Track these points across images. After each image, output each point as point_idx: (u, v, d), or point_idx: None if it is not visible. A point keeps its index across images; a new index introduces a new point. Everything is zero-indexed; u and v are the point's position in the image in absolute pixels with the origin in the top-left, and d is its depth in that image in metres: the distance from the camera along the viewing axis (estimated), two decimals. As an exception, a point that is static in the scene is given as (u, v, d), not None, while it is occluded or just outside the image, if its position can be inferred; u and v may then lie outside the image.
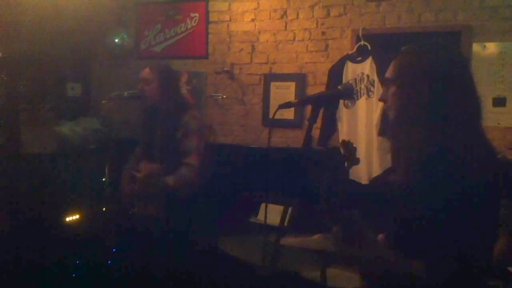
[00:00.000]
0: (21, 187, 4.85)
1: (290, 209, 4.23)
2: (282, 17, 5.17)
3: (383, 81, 2.02)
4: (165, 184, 3.79)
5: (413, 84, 1.86)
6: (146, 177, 3.78)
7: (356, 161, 2.01)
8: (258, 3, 5.27)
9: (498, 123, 4.24)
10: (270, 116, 5.14)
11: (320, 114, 2.10)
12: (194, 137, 3.87)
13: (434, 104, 1.82)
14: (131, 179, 3.93)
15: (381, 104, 4.35)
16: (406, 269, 1.77)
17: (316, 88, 4.96)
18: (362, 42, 4.64)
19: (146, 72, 4.00)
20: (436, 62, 1.87)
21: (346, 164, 1.98)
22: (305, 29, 5.07)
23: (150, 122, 4.03)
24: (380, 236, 2.07)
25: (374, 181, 4.50)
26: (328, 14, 4.96)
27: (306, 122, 2.01)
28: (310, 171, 1.90)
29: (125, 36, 5.80)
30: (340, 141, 2.01)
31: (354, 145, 2.01)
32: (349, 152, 1.98)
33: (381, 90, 4.22)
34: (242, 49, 5.38)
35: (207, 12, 5.54)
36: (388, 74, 1.98)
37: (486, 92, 4.23)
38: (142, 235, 3.95)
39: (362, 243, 1.82)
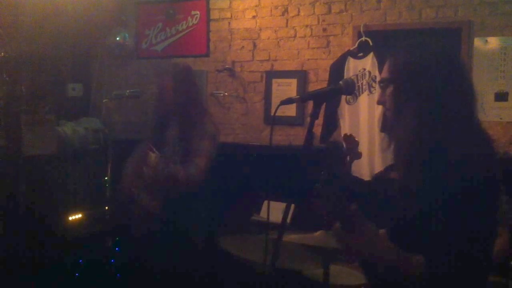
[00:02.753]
0: (22, 188, 4.85)
1: (292, 207, 4.23)
2: (283, 14, 5.16)
3: (379, 84, 2.01)
4: (174, 173, 3.79)
5: (406, 82, 1.86)
6: (162, 160, 3.76)
7: (358, 155, 2.00)
8: (259, 0, 5.26)
9: (500, 118, 4.23)
10: (272, 113, 5.14)
11: (322, 111, 2.09)
12: (208, 141, 3.90)
13: (430, 101, 1.81)
14: (144, 160, 3.89)
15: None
16: (406, 265, 1.76)
17: (317, 85, 4.95)
18: (363, 38, 4.63)
19: (169, 79, 3.98)
20: (429, 59, 1.86)
21: (348, 158, 1.97)
22: (306, 26, 5.06)
23: (164, 122, 4.04)
24: (381, 232, 2.06)
25: (376, 177, 4.49)
26: (329, 11, 4.95)
27: (308, 119, 2.01)
28: (311, 168, 1.89)
29: (126, 35, 5.79)
30: (342, 135, 2.00)
31: (356, 139, 2.00)
32: (352, 146, 1.97)
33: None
34: (243, 47, 5.37)
35: (208, 10, 5.53)
36: (383, 75, 1.97)
37: (488, 87, 4.23)
38: (143, 234, 3.95)
39: (362, 238, 1.81)
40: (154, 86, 4.08)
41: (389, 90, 1.93)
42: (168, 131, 4.00)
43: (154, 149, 3.83)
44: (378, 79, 4.45)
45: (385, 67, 1.97)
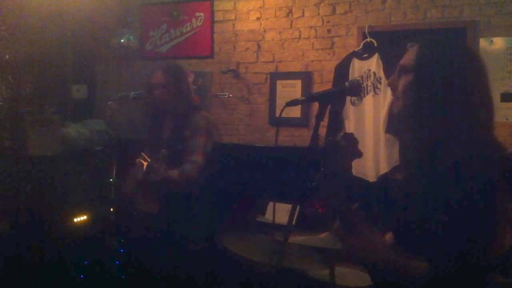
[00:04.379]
0: (27, 189, 4.85)
1: (298, 208, 4.21)
2: (287, 15, 5.15)
3: (398, 68, 1.96)
4: (169, 176, 3.79)
5: (434, 77, 1.81)
6: (152, 164, 3.76)
7: (358, 154, 1.98)
8: (263, 2, 5.26)
9: (506, 119, 4.22)
10: (277, 115, 5.13)
11: (327, 112, 2.08)
12: (202, 136, 3.90)
13: (450, 101, 1.79)
14: (137, 169, 3.90)
15: (388, 101, 4.35)
16: (406, 267, 1.76)
17: (322, 86, 4.94)
18: (368, 39, 4.62)
19: (158, 77, 3.97)
20: (459, 58, 1.84)
21: (348, 157, 1.96)
22: (311, 27, 5.05)
23: (158, 122, 4.04)
24: (387, 235, 2.06)
25: (381, 179, 4.48)
26: (334, 12, 4.95)
27: (313, 120, 1.99)
28: (314, 169, 1.88)
29: (130, 37, 5.79)
30: (342, 133, 1.98)
31: (356, 137, 1.98)
32: (351, 145, 1.95)
33: (388, 88, 4.21)
34: (247, 48, 5.37)
35: (212, 12, 5.53)
36: (406, 61, 1.92)
37: (494, 87, 4.18)
38: (148, 235, 3.95)
39: (363, 238, 1.81)
40: (146, 86, 4.08)
41: (409, 78, 1.89)
42: (162, 131, 4.01)
43: (146, 157, 3.83)
44: (383, 80, 4.45)
45: (410, 54, 1.92)
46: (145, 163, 3.78)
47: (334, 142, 1.91)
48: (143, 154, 3.86)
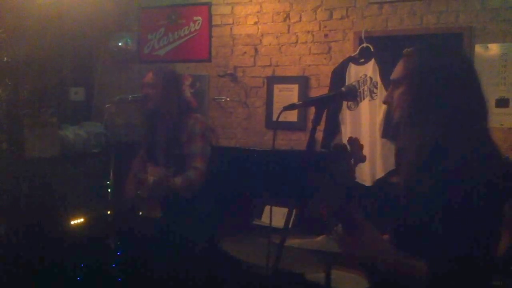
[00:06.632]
0: (25, 190, 4.85)
1: (294, 212, 4.23)
2: (284, 20, 5.18)
3: (390, 82, 2.00)
4: (174, 186, 3.80)
5: (421, 85, 1.85)
6: (158, 182, 3.76)
7: (363, 159, 2.01)
8: (260, 6, 5.28)
9: (501, 124, 4.25)
10: (274, 119, 5.15)
11: (323, 116, 2.10)
12: (199, 141, 3.88)
13: (442, 105, 1.82)
14: (139, 183, 3.91)
15: (384, 106, 4.37)
16: (409, 269, 1.77)
17: (319, 90, 4.97)
18: (364, 44, 4.65)
19: (149, 77, 4.00)
20: (445, 64, 1.86)
21: (352, 161, 1.98)
22: (308, 32, 5.07)
23: (153, 126, 4.04)
24: (384, 237, 2.07)
25: (378, 183, 4.50)
26: (331, 17, 4.97)
27: (310, 124, 2.01)
28: (313, 172, 1.90)
29: (128, 40, 5.81)
30: (347, 138, 2.01)
31: (361, 142, 2.01)
32: (356, 149, 1.98)
33: (384, 92, 4.24)
34: (245, 52, 5.39)
35: (210, 16, 5.55)
36: (395, 75, 1.96)
37: (488, 93, 4.20)
38: (145, 237, 3.96)
39: (364, 239, 1.82)
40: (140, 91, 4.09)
41: (399, 90, 1.93)
42: (157, 135, 4.01)
43: (149, 165, 3.85)
44: (379, 85, 4.49)
45: (397, 68, 1.96)
46: (152, 178, 3.78)
47: (342, 146, 1.94)
48: (140, 170, 3.89)
